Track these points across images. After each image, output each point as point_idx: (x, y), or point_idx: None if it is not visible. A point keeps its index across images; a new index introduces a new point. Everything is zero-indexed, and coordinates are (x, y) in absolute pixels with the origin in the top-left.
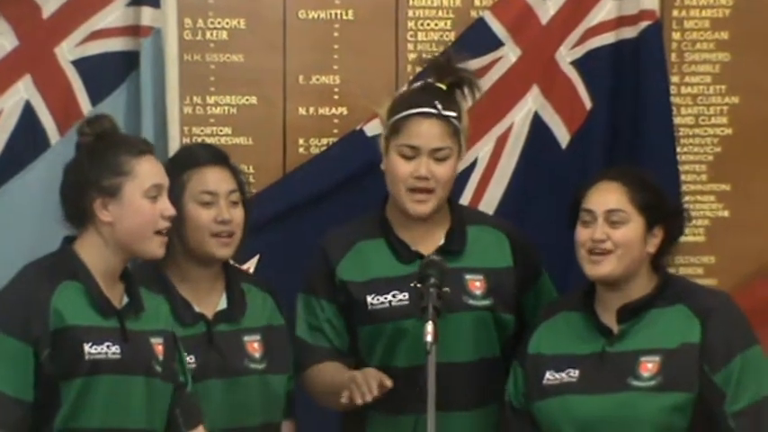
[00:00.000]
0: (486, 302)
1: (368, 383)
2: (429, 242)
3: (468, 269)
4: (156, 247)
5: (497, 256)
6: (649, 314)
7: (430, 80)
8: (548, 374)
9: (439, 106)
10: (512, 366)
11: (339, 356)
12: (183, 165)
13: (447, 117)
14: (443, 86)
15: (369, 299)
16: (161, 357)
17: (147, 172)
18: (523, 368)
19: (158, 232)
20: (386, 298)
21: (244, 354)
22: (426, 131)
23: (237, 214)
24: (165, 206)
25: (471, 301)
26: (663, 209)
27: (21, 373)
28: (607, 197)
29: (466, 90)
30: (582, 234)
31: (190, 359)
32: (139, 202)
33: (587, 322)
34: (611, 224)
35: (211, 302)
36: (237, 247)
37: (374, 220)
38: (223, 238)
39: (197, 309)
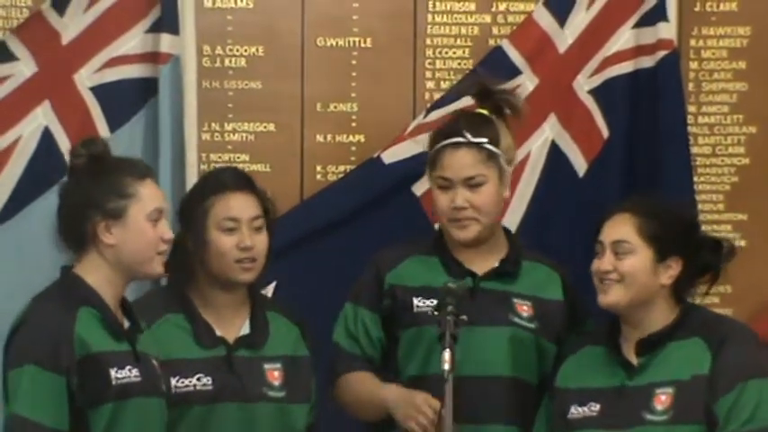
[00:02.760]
0: (530, 325)
1: (426, 413)
2: (483, 264)
3: (517, 294)
4: (156, 267)
5: (548, 288)
6: (668, 347)
7: (466, 106)
8: (572, 409)
9: (468, 135)
10: (543, 401)
11: (371, 366)
12: (207, 190)
13: (478, 144)
14: (484, 112)
15: (415, 301)
16: (161, 378)
17: (150, 195)
18: (551, 402)
19: (159, 253)
20: (432, 302)
21: (263, 381)
22: (457, 162)
23: (260, 240)
24: (165, 230)
25: (516, 319)
26: (677, 239)
27: (57, 404)
28: (615, 228)
29: (506, 111)
30: (594, 264)
31: (207, 381)
32: (143, 225)
33: (610, 356)
34: (616, 255)
35: (234, 327)
36: (261, 271)
37: (428, 242)
38: (245, 264)
39: (218, 332)
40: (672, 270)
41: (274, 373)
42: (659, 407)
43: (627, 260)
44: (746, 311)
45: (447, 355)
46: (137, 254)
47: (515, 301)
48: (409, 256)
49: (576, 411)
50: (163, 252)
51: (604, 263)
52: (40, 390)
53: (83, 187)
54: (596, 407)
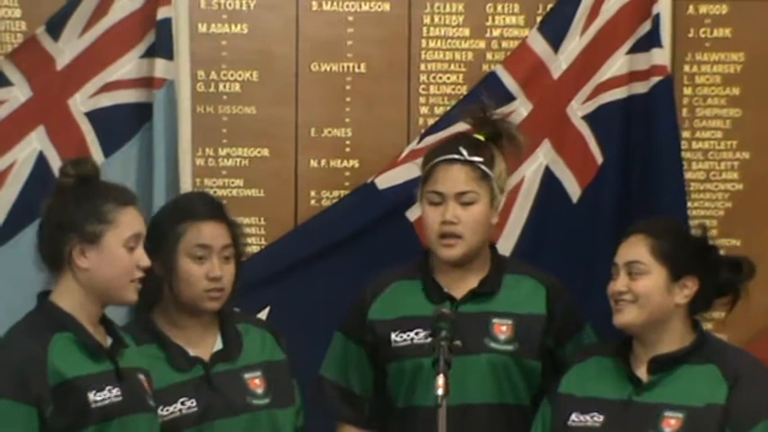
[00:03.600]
0: (508, 347)
1: None
2: (462, 286)
3: (496, 313)
4: (130, 294)
5: (530, 302)
6: (680, 369)
7: (463, 131)
8: (573, 416)
9: (464, 152)
10: (541, 404)
11: (361, 415)
12: (179, 215)
13: (472, 162)
14: (481, 138)
15: (393, 336)
16: (150, 392)
17: (129, 222)
18: (552, 406)
19: (132, 281)
20: (408, 335)
21: (246, 391)
22: (451, 177)
23: (228, 270)
24: (141, 257)
25: (492, 344)
26: (692, 259)
27: None
28: (629, 250)
29: (503, 140)
30: (609, 286)
31: (191, 403)
32: (118, 252)
33: (619, 369)
34: (630, 276)
35: (206, 345)
36: (227, 300)
37: (416, 264)
38: (213, 294)
39: (192, 353)
40: (687, 290)
41: (256, 381)
42: (667, 429)
43: (641, 280)
44: (741, 337)
45: (441, 380)
46: (109, 280)
47: (494, 321)
48: (394, 281)
49: (577, 419)
50: (137, 279)
51: (618, 284)
52: (9, 422)
53: (64, 208)
54: (600, 418)
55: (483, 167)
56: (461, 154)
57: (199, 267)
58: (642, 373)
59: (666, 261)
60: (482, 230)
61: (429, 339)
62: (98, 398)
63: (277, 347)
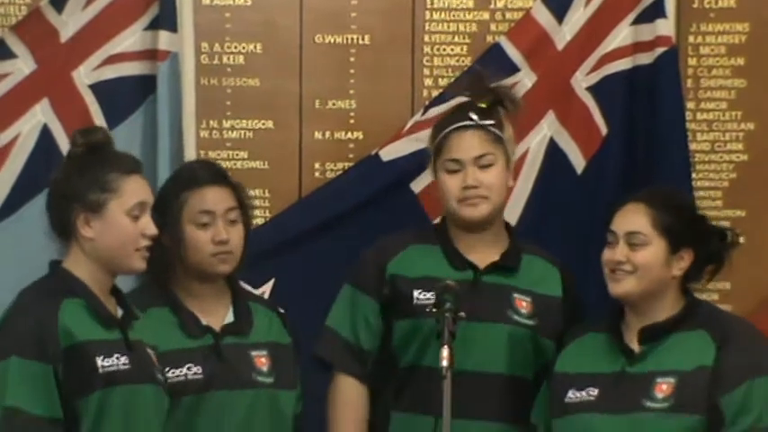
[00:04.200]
0: (529, 322)
1: None
2: (484, 257)
3: (517, 289)
4: (136, 263)
5: (548, 284)
6: (671, 337)
7: (466, 99)
8: (570, 393)
9: (474, 117)
10: (541, 389)
11: (363, 369)
12: (181, 184)
13: (484, 126)
14: (483, 105)
15: (416, 293)
16: (158, 367)
17: (133, 190)
18: (549, 387)
19: (138, 249)
20: (432, 294)
21: (252, 367)
22: (466, 143)
23: (236, 232)
24: (147, 225)
25: (515, 317)
26: (690, 231)
27: (48, 393)
28: (629, 219)
29: (506, 105)
30: (605, 254)
31: (197, 370)
32: (121, 221)
33: (611, 342)
34: (631, 246)
35: (218, 316)
36: (238, 263)
37: (429, 231)
38: (221, 256)
39: (204, 322)
40: (683, 262)
41: (262, 360)
42: (659, 395)
43: (641, 252)
44: (746, 308)
45: (445, 352)
46: (114, 249)
47: (515, 296)
48: (410, 244)
49: (573, 396)
50: (143, 248)
51: (617, 253)
52: (28, 380)
53: (69, 177)
54: (594, 391)
55: (495, 130)
56: (472, 119)
57: (204, 233)
58: (634, 343)
59: (666, 233)
60: (503, 192)
61: (433, 305)
62: (106, 363)
63: (284, 331)
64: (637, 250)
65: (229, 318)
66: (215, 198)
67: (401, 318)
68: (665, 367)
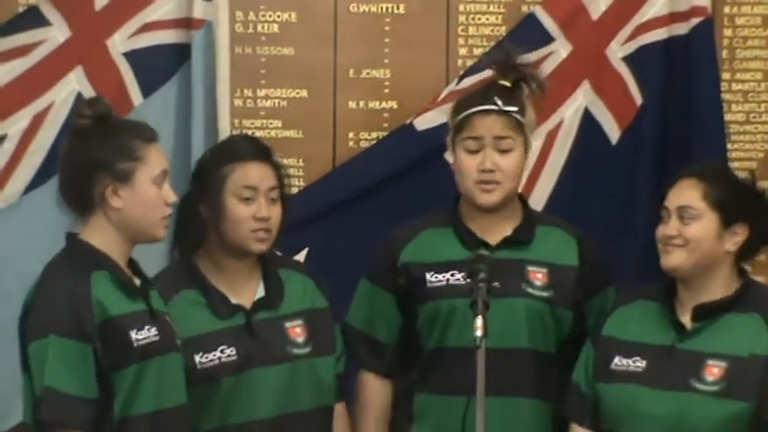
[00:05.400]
0: (544, 294)
1: None
2: (496, 233)
3: (531, 261)
4: (161, 232)
5: (563, 254)
6: (725, 317)
7: (491, 77)
8: (616, 359)
9: (499, 102)
10: (584, 348)
11: (384, 364)
12: (225, 157)
13: (508, 112)
14: (507, 84)
15: (428, 276)
16: (177, 333)
17: (156, 159)
18: (595, 349)
19: (163, 218)
20: (444, 276)
21: (286, 340)
22: (488, 125)
23: (275, 212)
24: (169, 193)
25: (530, 290)
26: (743, 206)
27: (83, 372)
28: (681, 194)
29: (531, 85)
30: (658, 230)
31: (230, 351)
32: (149, 189)
33: (663, 314)
34: (682, 220)
35: (249, 292)
36: (273, 242)
37: (444, 212)
38: (260, 234)
39: (233, 300)
40: (738, 237)
41: (296, 330)
42: (709, 377)
43: (692, 225)
44: None
45: (479, 321)
46: (142, 218)
47: (529, 268)
48: (423, 230)
49: (620, 363)
50: (167, 216)
51: (669, 228)
52: (66, 359)
53: (90, 148)
54: (642, 363)
55: (517, 116)
56: (497, 104)
57: (246, 208)
58: (686, 319)
59: (719, 207)
60: (518, 177)
61: (465, 281)
62: (139, 336)
63: (318, 294)
64: (688, 224)
65: (260, 293)
66: (260, 174)
67: (420, 303)
68: (717, 349)
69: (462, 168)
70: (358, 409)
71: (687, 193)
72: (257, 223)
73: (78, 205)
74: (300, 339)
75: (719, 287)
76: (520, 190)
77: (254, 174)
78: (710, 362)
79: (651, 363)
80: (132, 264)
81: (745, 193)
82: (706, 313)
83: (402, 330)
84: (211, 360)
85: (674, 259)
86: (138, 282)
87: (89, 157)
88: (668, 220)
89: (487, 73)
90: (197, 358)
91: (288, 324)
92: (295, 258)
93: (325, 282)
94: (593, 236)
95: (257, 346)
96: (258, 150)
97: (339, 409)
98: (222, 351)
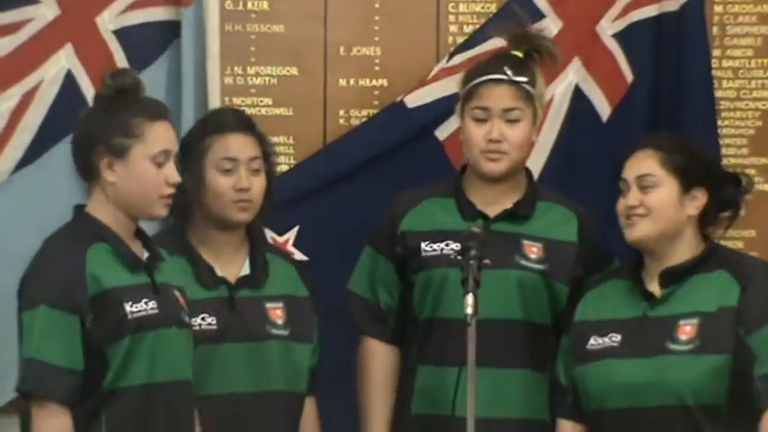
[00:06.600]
0: (539, 266)
1: None
2: (497, 206)
3: (527, 235)
4: (159, 210)
5: (562, 230)
6: (692, 279)
7: (503, 48)
8: (592, 339)
9: (509, 72)
10: (560, 343)
11: (386, 330)
12: (207, 129)
13: (518, 82)
14: (519, 54)
15: (423, 245)
16: (186, 309)
17: (158, 137)
18: (570, 337)
19: (162, 197)
20: (438, 245)
21: (266, 319)
22: (498, 95)
23: (258, 182)
24: (171, 172)
25: (522, 261)
26: (701, 171)
27: (70, 343)
28: (639, 164)
29: (543, 56)
30: (619, 203)
31: (211, 321)
32: (145, 167)
33: (632, 288)
34: (642, 189)
35: (234, 267)
36: (258, 213)
37: (448, 183)
38: (242, 204)
39: (219, 273)
40: (697, 201)
41: (277, 312)
42: (683, 337)
43: (653, 193)
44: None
45: (470, 299)
46: (136, 195)
47: (525, 242)
48: (425, 198)
49: (595, 342)
50: (167, 195)
51: (630, 198)
52: (53, 330)
53: (96, 119)
54: (617, 337)
55: (527, 87)
56: (507, 74)
57: (226, 179)
58: (655, 287)
59: (677, 173)
60: (525, 148)
61: (457, 253)
62: (134, 309)
63: (301, 283)
64: (648, 192)
65: (245, 270)
66: (239, 145)
67: (415, 272)
68: (688, 309)
69: (470, 137)
70: (362, 375)
71: (645, 163)
72: (238, 194)
73: (83, 175)
74: (280, 321)
75: (685, 253)
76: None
77: (234, 145)
78: (682, 321)
79: (626, 335)
80: (142, 236)
81: (700, 158)
82: (673, 277)
83: (402, 299)
84: (192, 326)
85: (638, 231)
86: (145, 255)
87: (91, 128)
88: (627, 191)
89: (482, 48)
90: None
91: (269, 305)
92: (286, 236)
93: (313, 267)
94: (593, 212)
95: (237, 320)
96: (239, 122)
97: (310, 403)
98: (203, 319)
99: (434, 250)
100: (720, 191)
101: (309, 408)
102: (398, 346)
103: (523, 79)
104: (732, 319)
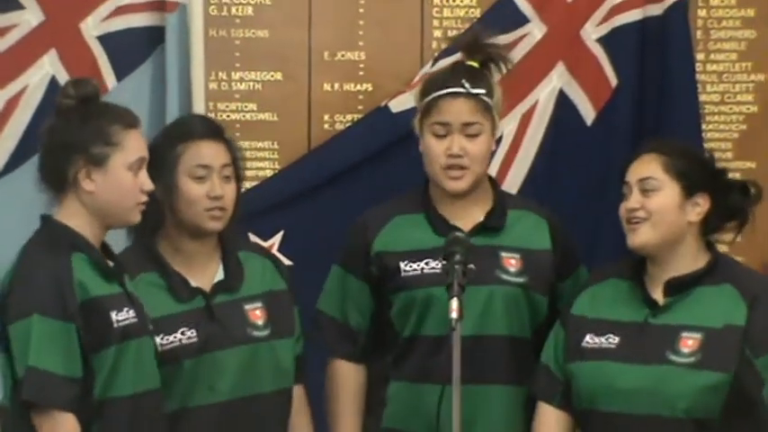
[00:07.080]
0: (519, 280)
1: None
2: (468, 219)
3: (504, 247)
4: (135, 217)
5: (536, 238)
6: (696, 291)
7: (459, 59)
8: (588, 337)
9: (467, 85)
10: (553, 329)
11: (355, 349)
12: (177, 137)
13: (476, 95)
14: (475, 64)
15: (402, 265)
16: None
17: (134, 146)
18: (565, 329)
19: (138, 204)
20: (419, 265)
21: (246, 322)
22: (456, 109)
23: (229, 189)
24: (145, 180)
25: (504, 276)
26: (704, 177)
27: (68, 351)
28: (641, 167)
29: (499, 65)
30: (621, 207)
31: (191, 333)
32: (123, 175)
33: (634, 291)
34: (643, 192)
35: (208, 275)
36: (230, 220)
37: (415, 197)
38: (214, 212)
39: (193, 283)
40: (699, 207)
41: (256, 312)
42: (685, 349)
43: (654, 197)
44: (756, 260)
45: (455, 303)
46: (114, 203)
47: (503, 254)
48: (396, 215)
49: (591, 341)
50: (142, 202)
51: (631, 201)
52: (50, 339)
53: (70, 129)
54: (615, 339)
55: (486, 99)
56: (465, 87)
57: (199, 187)
58: (658, 295)
59: (679, 177)
60: (486, 161)
61: (439, 269)
62: (120, 317)
63: (277, 275)
64: (650, 196)
65: (219, 275)
66: (212, 152)
67: (394, 292)
68: (691, 322)
69: (430, 152)
70: (331, 397)
71: (648, 166)
72: (211, 202)
73: (54, 185)
74: (260, 322)
75: (688, 261)
76: (492, 173)
77: (207, 152)
78: (685, 334)
79: (624, 339)
80: (105, 247)
81: (704, 164)
82: (677, 287)
83: (374, 317)
84: (172, 342)
85: (640, 236)
86: (111, 264)
87: (66, 138)
88: (630, 195)
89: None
90: (157, 340)
91: (247, 306)
92: (270, 241)
93: (297, 272)
94: (559, 216)
95: (217, 328)
96: (210, 128)
97: (298, 392)
98: (183, 333)
99: (415, 270)
100: (725, 198)
101: (298, 396)
102: (368, 359)
103: (482, 91)
104: (738, 338)
